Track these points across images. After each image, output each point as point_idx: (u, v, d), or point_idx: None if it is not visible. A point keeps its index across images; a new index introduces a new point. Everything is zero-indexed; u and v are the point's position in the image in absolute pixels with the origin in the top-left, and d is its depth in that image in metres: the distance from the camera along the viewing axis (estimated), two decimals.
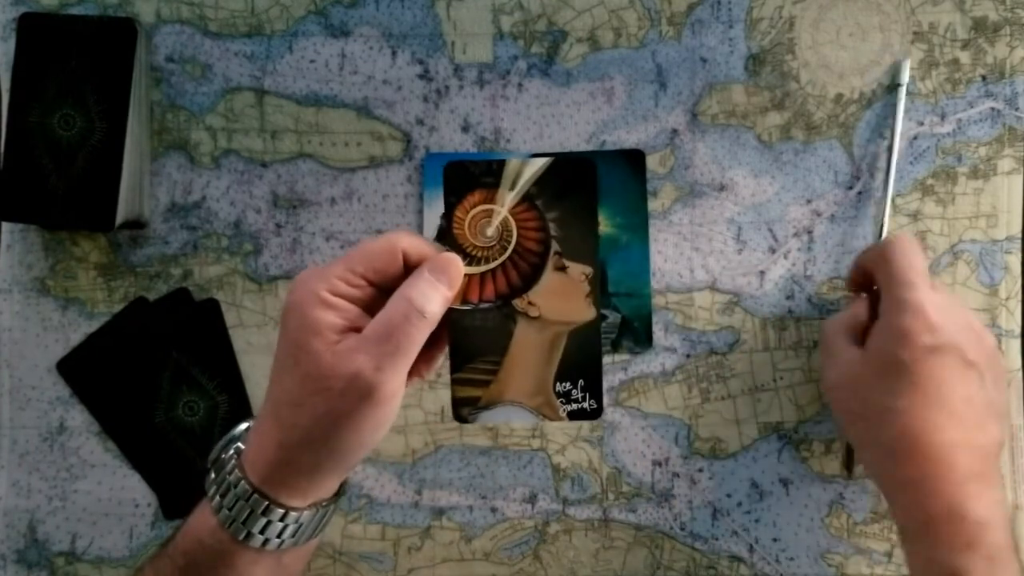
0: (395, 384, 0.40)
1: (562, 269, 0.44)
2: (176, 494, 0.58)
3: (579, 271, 0.44)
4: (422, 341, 0.41)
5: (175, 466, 0.57)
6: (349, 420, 0.40)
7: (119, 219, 0.54)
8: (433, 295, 0.41)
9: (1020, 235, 0.57)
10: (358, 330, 0.41)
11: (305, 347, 0.40)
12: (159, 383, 0.57)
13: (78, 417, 0.58)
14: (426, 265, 0.42)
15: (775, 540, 0.57)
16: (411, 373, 0.44)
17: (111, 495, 0.58)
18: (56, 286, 0.58)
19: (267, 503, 0.41)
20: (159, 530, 0.58)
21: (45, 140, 0.54)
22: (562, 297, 0.44)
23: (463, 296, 0.44)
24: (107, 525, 0.58)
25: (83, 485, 0.58)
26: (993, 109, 0.57)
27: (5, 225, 0.58)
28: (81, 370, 0.58)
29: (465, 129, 0.58)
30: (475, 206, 0.44)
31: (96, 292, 0.58)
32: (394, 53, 0.58)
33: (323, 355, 0.40)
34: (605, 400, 0.57)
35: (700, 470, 0.58)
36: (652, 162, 0.57)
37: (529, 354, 0.44)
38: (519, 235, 0.44)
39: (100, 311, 0.58)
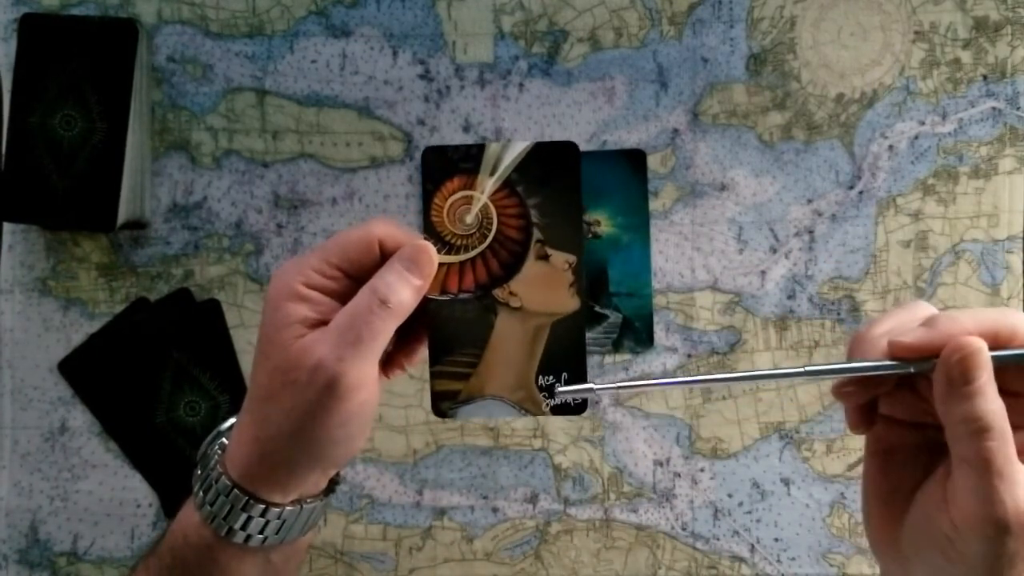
0: (358, 374, 0.39)
1: (544, 258, 0.42)
2: (177, 494, 0.57)
3: (562, 259, 0.42)
4: (387, 331, 0.40)
5: (176, 466, 0.57)
6: (316, 413, 0.39)
7: (120, 219, 0.54)
8: (398, 285, 0.40)
9: (1022, 234, 0.57)
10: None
11: (274, 340, 0.40)
12: (160, 383, 0.57)
13: (80, 417, 0.58)
14: (396, 254, 0.41)
15: (776, 540, 0.57)
16: (392, 366, 0.44)
17: (113, 495, 0.58)
18: (57, 286, 0.58)
19: (247, 499, 0.41)
20: (161, 530, 0.58)
21: (46, 140, 0.54)
22: (544, 287, 0.42)
23: (442, 286, 0.43)
24: (109, 525, 0.58)
25: (85, 485, 0.58)
26: (994, 108, 0.57)
27: (7, 225, 0.58)
28: (82, 370, 0.58)
29: (466, 129, 0.58)
30: (454, 192, 0.42)
31: (97, 292, 0.58)
32: (395, 53, 0.58)
33: (290, 347, 0.39)
34: (606, 400, 0.57)
35: (701, 470, 0.58)
36: (653, 162, 0.57)
37: (510, 346, 0.42)
38: (499, 222, 0.42)
39: (101, 311, 0.58)
